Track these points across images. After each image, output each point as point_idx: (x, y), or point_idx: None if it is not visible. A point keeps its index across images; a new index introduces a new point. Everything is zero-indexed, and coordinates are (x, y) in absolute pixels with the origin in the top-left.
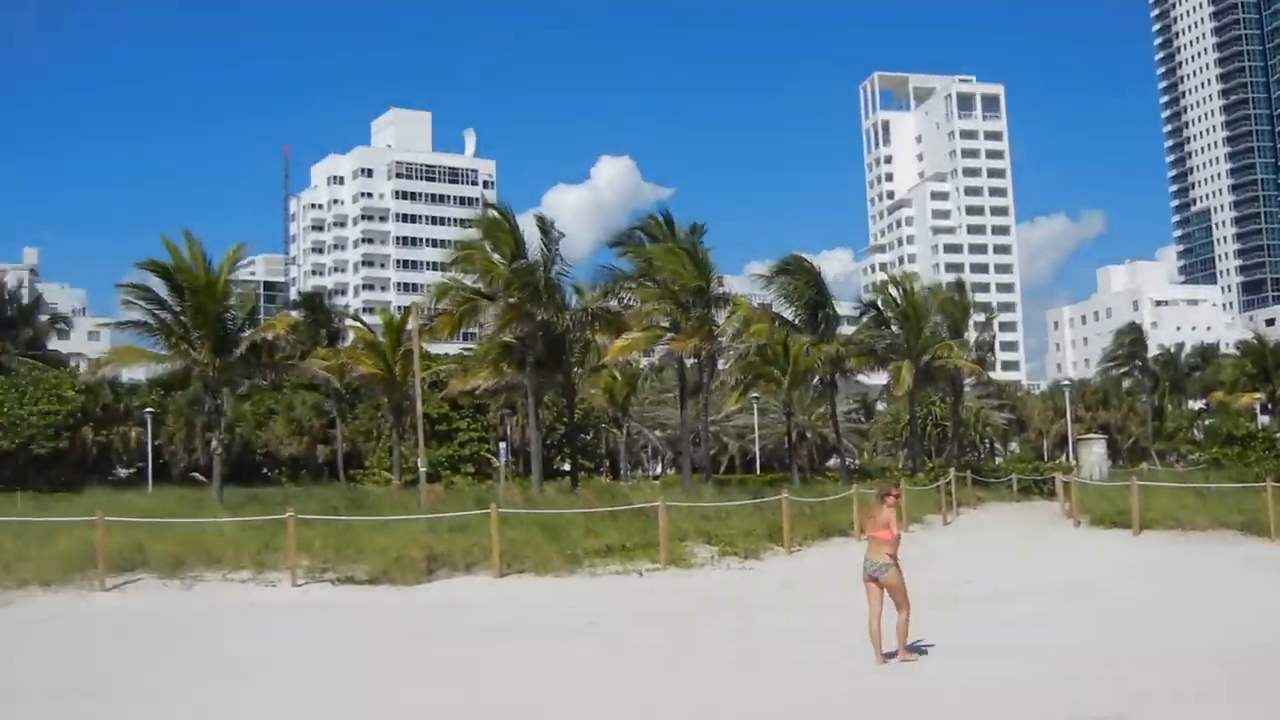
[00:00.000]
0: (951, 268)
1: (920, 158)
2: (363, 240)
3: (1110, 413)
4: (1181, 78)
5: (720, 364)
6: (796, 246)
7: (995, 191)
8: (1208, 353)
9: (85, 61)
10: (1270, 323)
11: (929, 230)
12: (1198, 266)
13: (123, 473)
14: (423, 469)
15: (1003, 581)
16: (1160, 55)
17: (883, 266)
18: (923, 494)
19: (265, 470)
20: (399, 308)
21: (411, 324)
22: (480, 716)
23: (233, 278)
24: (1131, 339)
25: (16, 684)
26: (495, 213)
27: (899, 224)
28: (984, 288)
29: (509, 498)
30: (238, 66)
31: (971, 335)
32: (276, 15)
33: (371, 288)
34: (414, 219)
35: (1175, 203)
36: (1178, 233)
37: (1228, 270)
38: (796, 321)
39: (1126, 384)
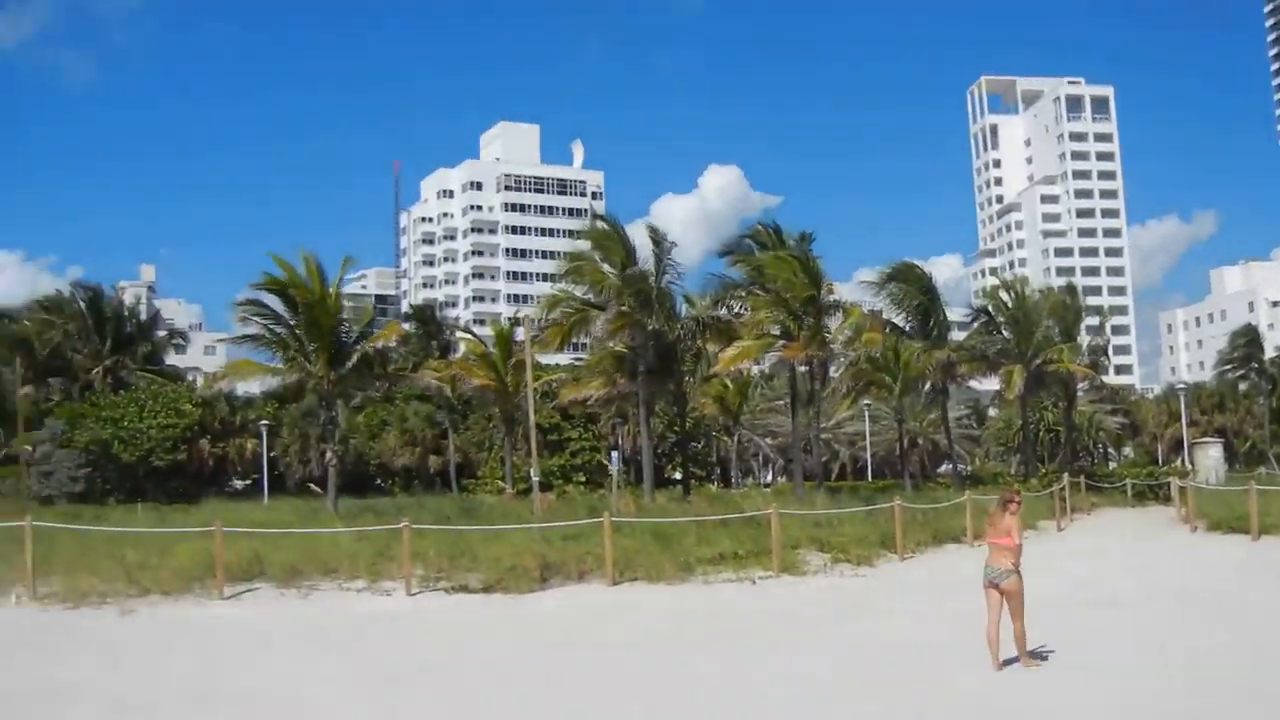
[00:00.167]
0: (1062, 271)
1: (1029, 161)
2: (473, 253)
3: (1226, 416)
4: None
5: (831, 371)
6: (904, 253)
7: (1106, 194)
8: None
9: (200, 80)
10: None
11: (1039, 234)
12: None
13: (239, 484)
14: (536, 478)
15: (1120, 587)
16: (1274, 51)
17: (993, 271)
18: (1036, 500)
19: (379, 481)
20: (509, 319)
21: (523, 335)
22: None
23: (345, 291)
24: (1247, 340)
25: (158, 693)
26: (604, 224)
27: (1008, 228)
28: (1095, 291)
29: (621, 506)
30: (349, 83)
31: (1084, 339)
32: (385, 32)
33: (482, 299)
34: (523, 231)
35: None
36: None
37: None
38: (907, 328)
39: (1243, 387)
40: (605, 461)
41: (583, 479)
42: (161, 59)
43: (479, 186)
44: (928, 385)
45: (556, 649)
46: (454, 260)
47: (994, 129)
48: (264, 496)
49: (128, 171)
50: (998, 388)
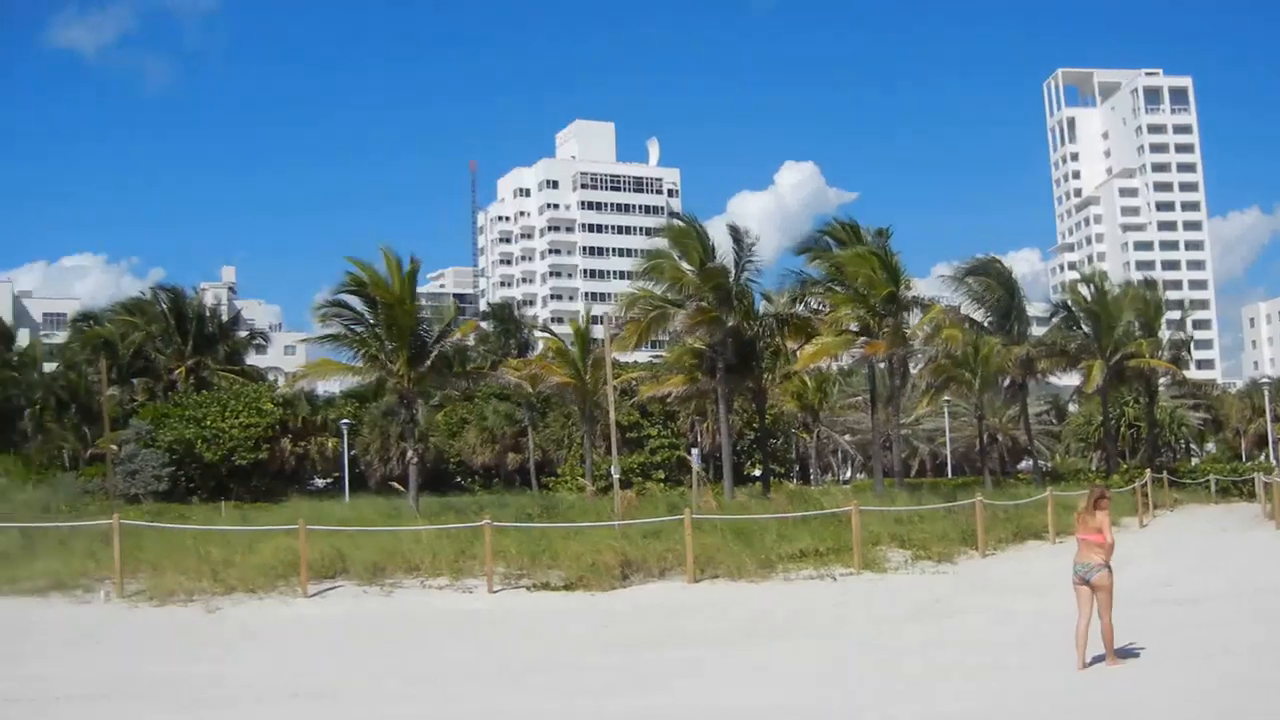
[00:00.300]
0: (1142, 265)
1: (1107, 154)
2: (550, 251)
3: None
4: None
5: (910, 367)
6: (981, 248)
7: (1186, 186)
8: None
9: (276, 82)
10: None
11: (1118, 228)
12: None
13: (320, 483)
14: (616, 475)
15: (1204, 584)
16: None
17: (1071, 266)
18: (1118, 496)
19: (458, 479)
20: (596, 318)
21: (603, 333)
22: None
23: (424, 291)
24: None
25: (253, 688)
26: (682, 221)
27: (1087, 222)
28: (1176, 285)
29: (702, 503)
30: (425, 85)
31: (1165, 334)
32: (460, 33)
33: (559, 298)
34: (600, 229)
35: None
36: None
37: None
38: (986, 323)
39: None
40: (686, 458)
41: (662, 476)
42: (238, 62)
43: (555, 185)
44: (1007, 381)
45: (639, 647)
46: (531, 259)
47: (1071, 122)
48: (345, 495)
49: (207, 174)
50: (1078, 383)
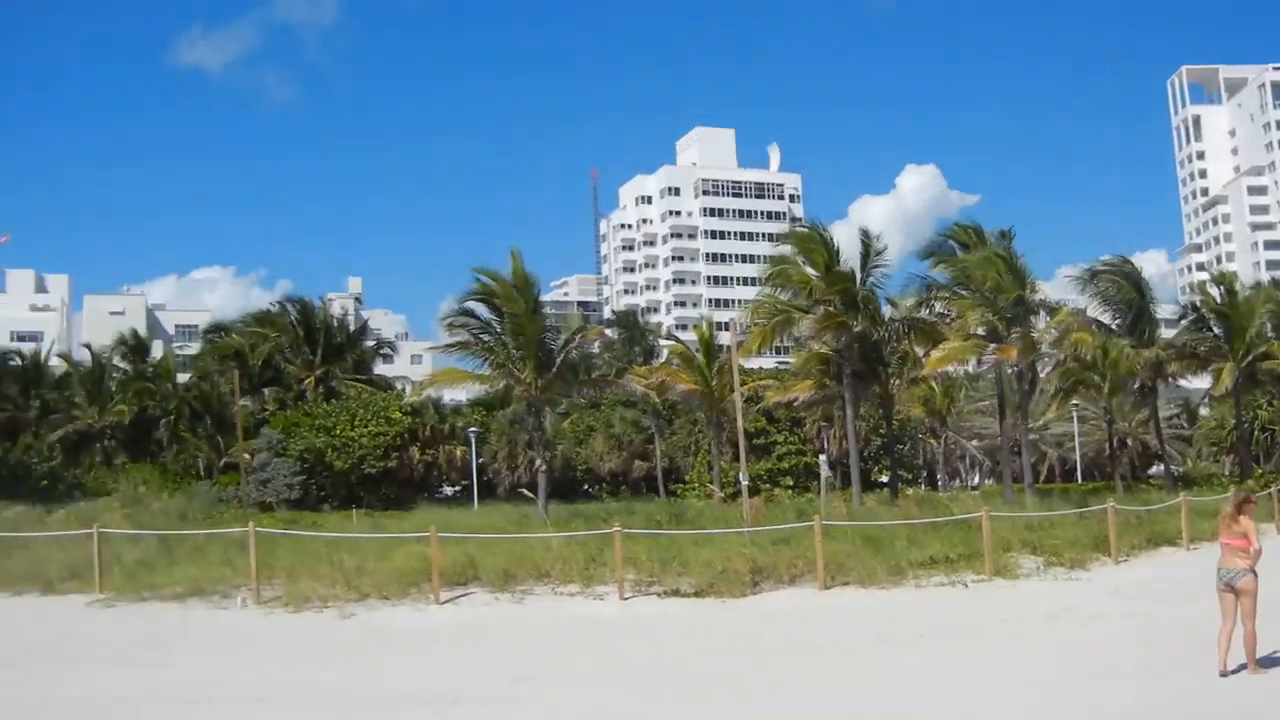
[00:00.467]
0: (1273, 265)
1: (1234, 152)
2: (673, 258)
3: None
4: None
5: (1038, 371)
6: (1106, 250)
7: None
8: None
9: (393, 94)
10: None
11: (1247, 227)
12: None
13: (448, 490)
14: (745, 482)
15: None
16: None
17: (1200, 266)
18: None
19: (586, 486)
20: (720, 324)
21: (729, 339)
22: None
23: (548, 299)
24: None
25: (388, 694)
26: (806, 226)
27: (1215, 221)
28: None
29: (831, 510)
30: (545, 93)
31: None
32: (580, 42)
33: (683, 304)
34: (722, 235)
35: None
36: None
37: None
38: (1114, 326)
39: None
40: (814, 464)
41: (790, 483)
42: (359, 77)
43: (677, 192)
44: (1136, 384)
45: (770, 654)
46: (654, 266)
47: (1196, 120)
48: (474, 502)
49: (332, 187)
50: (1208, 386)
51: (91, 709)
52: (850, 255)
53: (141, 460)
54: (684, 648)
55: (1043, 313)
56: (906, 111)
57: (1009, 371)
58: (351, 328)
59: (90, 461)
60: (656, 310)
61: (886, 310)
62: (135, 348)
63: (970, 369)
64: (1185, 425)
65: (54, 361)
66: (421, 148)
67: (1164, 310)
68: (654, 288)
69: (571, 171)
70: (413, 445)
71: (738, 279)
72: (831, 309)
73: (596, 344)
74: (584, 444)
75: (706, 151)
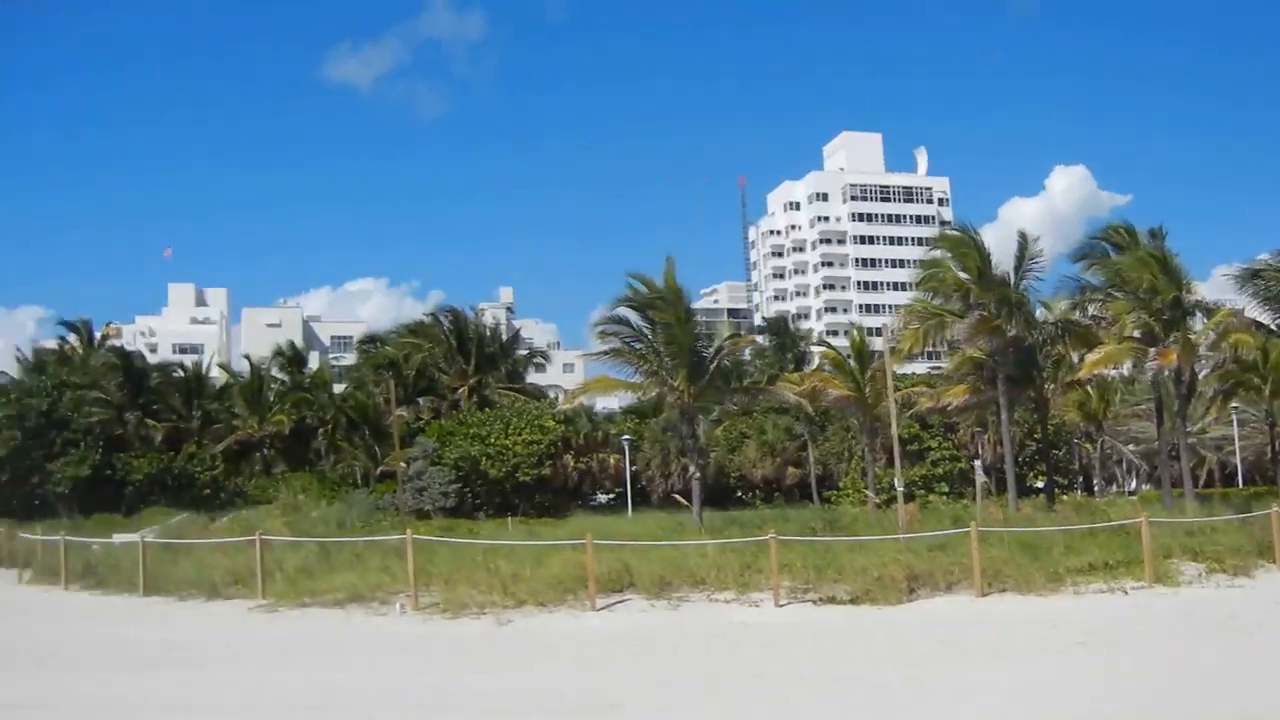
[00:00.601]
0: None
1: None
2: (822, 264)
3: None
4: None
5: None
6: (1264, 247)
7: None
8: None
9: (541, 105)
10: None
11: None
12: None
13: (602, 498)
14: (900, 488)
15: None
16: None
17: None
18: None
19: (739, 493)
20: (862, 329)
21: (882, 345)
22: None
23: (698, 306)
24: None
25: (546, 700)
26: (957, 230)
27: None
28: None
29: (987, 516)
30: (692, 104)
31: None
32: (724, 50)
33: (834, 310)
34: (871, 240)
35: None
36: None
37: None
38: (1275, 326)
39: None
40: (968, 470)
41: (944, 489)
42: (504, 87)
43: (825, 198)
44: None
45: (928, 661)
46: (804, 272)
47: None
48: (628, 510)
49: (481, 196)
50: None
51: (255, 713)
52: (1001, 258)
53: (300, 469)
54: (839, 655)
55: (1199, 314)
56: (1054, 112)
57: (1166, 374)
58: (504, 337)
59: (251, 470)
60: (806, 316)
61: (1039, 313)
62: (293, 359)
63: (1125, 372)
64: None
65: (214, 373)
66: (569, 158)
67: None
68: (803, 294)
69: (719, 179)
70: (566, 453)
71: (887, 284)
72: (986, 313)
73: (747, 351)
74: (737, 451)
75: (854, 156)
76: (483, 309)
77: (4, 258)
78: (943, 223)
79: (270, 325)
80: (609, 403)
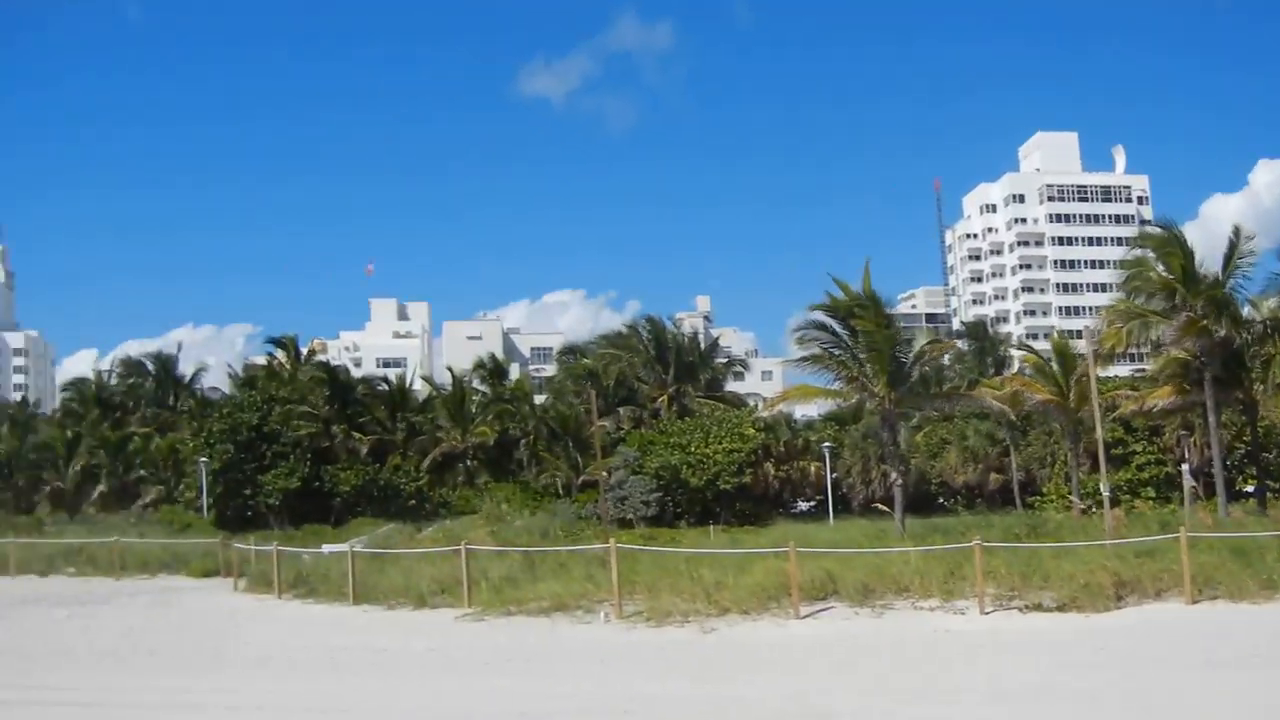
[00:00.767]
0: None
1: None
2: (1020, 267)
3: None
4: None
5: None
6: None
7: None
8: None
9: (733, 115)
10: None
11: None
12: None
13: (803, 506)
14: (1106, 493)
15: None
16: None
17: None
18: None
19: (941, 500)
20: (1062, 332)
21: (1085, 348)
22: None
23: (896, 312)
24: None
25: (751, 708)
26: (1160, 228)
27: None
28: None
29: (1196, 521)
30: (881, 107)
31: None
32: (914, 53)
33: (1032, 313)
34: (1070, 241)
35: None
36: None
37: None
38: None
39: None
40: (1174, 474)
41: (1150, 493)
42: (695, 96)
43: (1021, 199)
44: None
45: (1138, 668)
46: (1001, 275)
47: None
48: (829, 517)
49: (675, 206)
50: None
51: (467, 718)
52: (1204, 255)
53: (503, 479)
54: (1047, 663)
55: None
56: (1257, 105)
57: None
58: (702, 346)
59: (454, 481)
60: (1005, 320)
61: (1246, 311)
62: (494, 371)
63: None
64: None
65: (417, 386)
66: (762, 164)
67: None
68: (1002, 297)
69: (914, 184)
70: (767, 461)
71: (1088, 285)
72: (1193, 314)
73: (946, 356)
74: (938, 457)
75: (1049, 156)
76: (680, 318)
77: (215, 279)
78: (1143, 222)
79: (471, 338)
80: (808, 410)
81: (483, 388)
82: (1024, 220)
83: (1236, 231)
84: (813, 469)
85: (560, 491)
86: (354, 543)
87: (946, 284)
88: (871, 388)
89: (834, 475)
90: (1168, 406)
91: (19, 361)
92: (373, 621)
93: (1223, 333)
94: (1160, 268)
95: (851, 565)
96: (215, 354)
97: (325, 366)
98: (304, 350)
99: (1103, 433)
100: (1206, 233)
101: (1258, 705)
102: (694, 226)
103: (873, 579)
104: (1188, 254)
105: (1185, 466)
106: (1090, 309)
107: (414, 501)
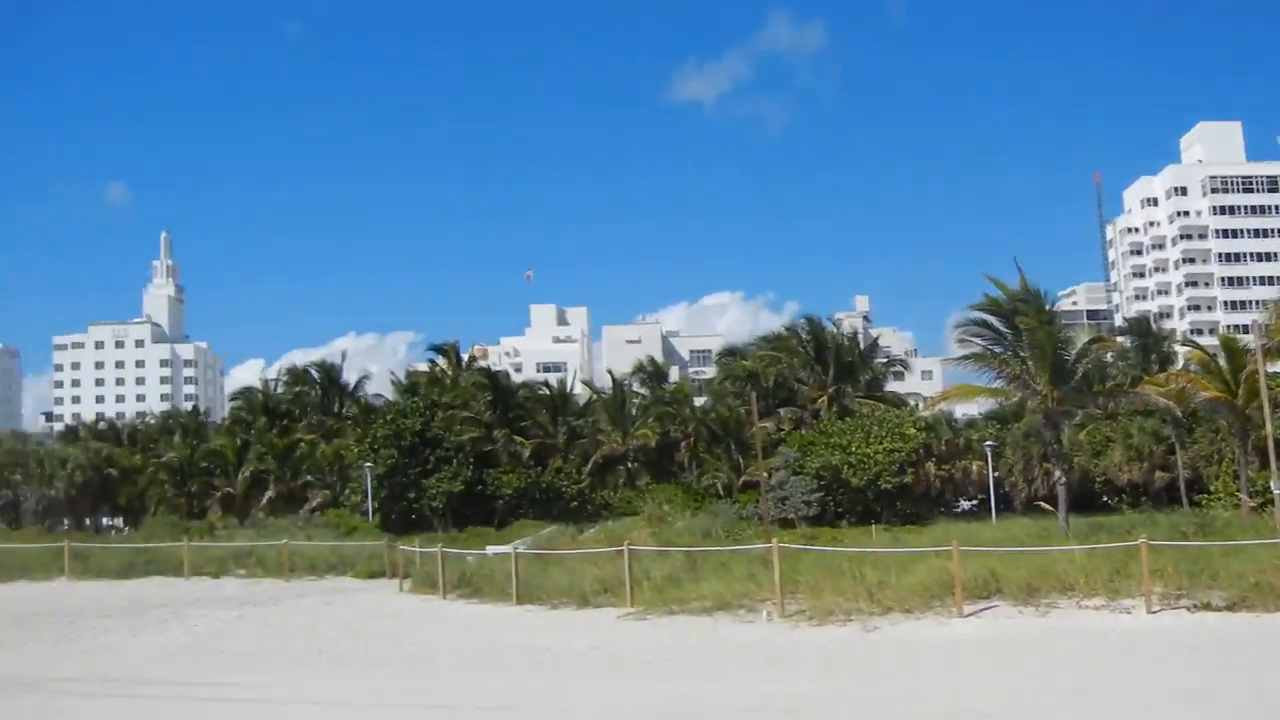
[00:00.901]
0: None
1: None
2: (1183, 261)
3: None
4: None
5: None
6: None
7: None
8: None
9: (886, 112)
10: None
11: None
12: None
13: (964, 505)
14: (1277, 491)
15: None
16: None
17: None
18: None
19: (1104, 498)
20: (1228, 327)
21: (1253, 342)
22: None
23: (1057, 309)
24: None
25: (913, 707)
26: None
27: None
28: None
29: None
30: (1039, 101)
31: None
32: (1070, 46)
33: (1197, 308)
34: (1235, 234)
35: None
36: None
37: None
38: None
39: None
40: None
41: None
42: (849, 97)
43: (1183, 192)
44: None
45: None
46: (1164, 270)
47: None
48: (991, 516)
49: (831, 206)
50: None
51: (632, 717)
52: None
53: (664, 481)
54: (1216, 662)
55: None
56: None
57: None
58: (861, 346)
59: (615, 483)
60: (1169, 316)
61: None
62: (653, 374)
63: None
64: None
65: (577, 390)
66: (919, 163)
67: None
68: (1165, 293)
69: (1073, 177)
70: (928, 460)
71: (1254, 278)
72: None
73: (1110, 353)
74: (1101, 455)
75: (1212, 147)
76: (839, 319)
77: (376, 288)
78: None
79: (630, 342)
80: (969, 409)
81: (643, 390)
82: (1187, 213)
83: None
84: (974, 468)
85: (721, 492)
86: (517, 544)
87: (1108, 280)
88: (1034, 386)
89: (996, 474)
90: None
91: (189, 373)
92: (536, 621)
93: None
94: None
95: (1015, 564)
96: (378, 362)
97: (486, 372)
98: (465, 356)
99: (1273, 429)
100: None
101: None
102: (851, 226)
103: (1036, 578)
104: None
105: None
106: (1257, 303)
107: (576, 503)
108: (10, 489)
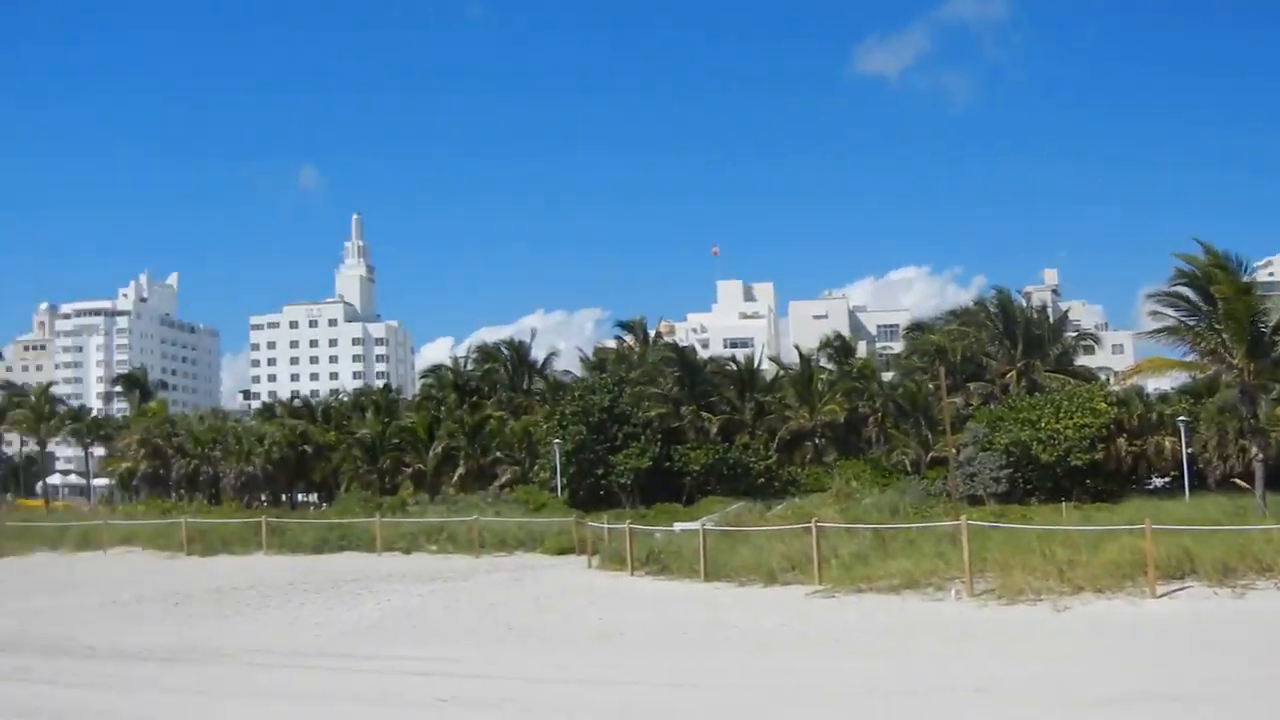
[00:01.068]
0: None
1: None
2: None
3: None
4: None
5: None
6: None
7: None
8: None
9: (1072, 82)
10: None
11: None
12: None
13: (1157, 481)
14: None
15: None
16: None
17: None
18: None
19: None
20: None
21: None
22: None
23: (1254, 280)
24: None
25: (1099, 688)
26: None
27: None
28: None
29: None
30: (1231, 51)
31: None
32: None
33: None
34: None
35: None
36: None
37: None
38: None
39: None
40: None
41: None
42: (1034, 66)
43: None
44: None
45: None
46: None
47: None
48: (1185, 493)
49: (1022, 180)
50: None
51: (821, 694)
52: None
53: (851, 457)
54: None
55: None
56: None
57: None
58: (1050, 320)
59: (802, 459)
60: None
61: None
62: (841, 349)
63: None
64: None
65: (764, 365)
66: (1108, 128)
67: None
68: None
69: (1266, 147)
70: (1119, 436)
71: None
72: None
73: None
74: None
75: None
76: (1028, 292)
77: (565, 267)
78: None
79: (816, 317)
80: (1161, 383)
81: (830, 366)
82: None
83: None
84: (1167, 444)
85: (909, 469)
86: (705, 520)
87: None
88: (1229, 359)
89: (1189, 450)
90: None
91: (381, 350)
92: (724, 598)
93: None
94: None
95: (1210, 543)
96: (566, 339)
97: (674, 348)
98: (652, 333)
99: None
100: None
101: None
102: (1043, 199)
103: (1233, 558)
104: None
105: None
106: None
107: (763, 480)
108: (210, 465)
